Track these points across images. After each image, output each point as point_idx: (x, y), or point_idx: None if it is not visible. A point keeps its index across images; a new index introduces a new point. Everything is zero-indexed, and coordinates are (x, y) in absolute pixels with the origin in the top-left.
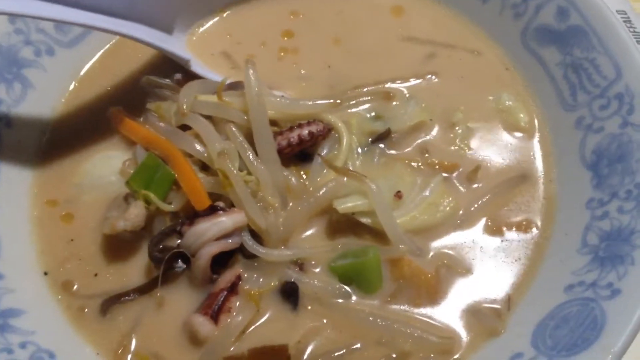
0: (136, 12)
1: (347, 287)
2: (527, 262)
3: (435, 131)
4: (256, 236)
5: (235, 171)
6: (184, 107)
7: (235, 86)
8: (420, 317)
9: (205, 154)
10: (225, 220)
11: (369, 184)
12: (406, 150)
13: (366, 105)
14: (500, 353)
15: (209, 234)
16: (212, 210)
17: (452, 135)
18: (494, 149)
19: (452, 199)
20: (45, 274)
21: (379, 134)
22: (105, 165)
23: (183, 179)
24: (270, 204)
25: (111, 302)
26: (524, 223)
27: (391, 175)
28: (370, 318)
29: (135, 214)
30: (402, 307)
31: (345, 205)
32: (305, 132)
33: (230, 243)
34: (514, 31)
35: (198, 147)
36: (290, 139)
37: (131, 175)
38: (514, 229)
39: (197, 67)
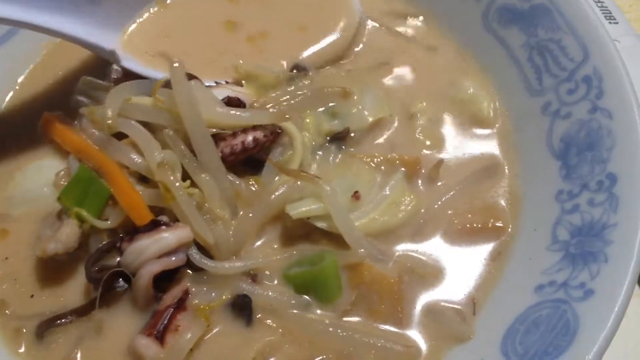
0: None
1: (305, 297)
2: (494, 262)
3: (395, 125)
4: (202, 249)
5: (177, 183)
6: (110, 112)
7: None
8: (383, 326)
9: (143, 165)
10: (168, 237)
11: (322, 186)
12: (365, 145)
13: (323, 102)
14: None
15: (150, 251)
16: (154, 226)
17: (412, 128)
18: (456, 142)
19: (413, 197)
20: None
21: (337, 133)
22: (38, 176)
23: (119, 194)
24: (218, 216)
25: (47, 325)
26: (491, 220)
27: (348, 174)
28: (330, 329)
29: (67, 234)
30: (363, 316)
31: (299, 210)
32: (249, 138)
33: (173, 261)
34: (475, 13)
35: (135, 157)
36: (233, 146)
37: (62, 190)
38: (479, 226)
39: (129, 62)
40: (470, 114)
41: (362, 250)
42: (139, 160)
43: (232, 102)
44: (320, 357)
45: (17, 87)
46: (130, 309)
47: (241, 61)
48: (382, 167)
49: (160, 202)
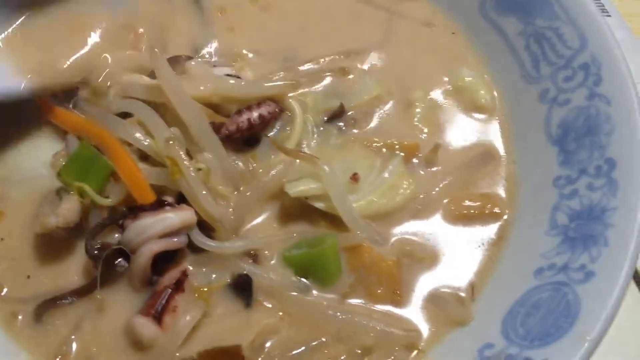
0: None
1: (304, 280)
2: (492, 247)
3: (392, 110)
4: (204, 229)
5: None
6: (113, 91)
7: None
8: (382, 309)
9: (147, 143)
10: (172, 217)
11: (321, 166)
12: (364, 129)
13: (321, 83)
14: (469, 344)
15: (153, 230)
16: (158, 205)
17: (409, 115)
18: (454, 128)
19: (412, 181)
20: None
21: (334, 111)
22: (34, 156)
23: (123, 171)
24: (220, 193)
25: (46, 306)
26: (488, 205)
27: (349, 157)
28: (330, 312)
29: (68, 208)
30: (362, 298)
31: (297, 188)
32: (255, 115)
33: (175, 242)
34: (472, 1)
35: (138, 134)
36: (239, 123)
37: (63, 167)
38: (477, 212)
39: None
40: (468, 101)
41: (361, 232)
42: (143, 138)
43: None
44: (320, 340)
45: None
46: (130, 290)
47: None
48: (382, 151)
49: (163, 180)
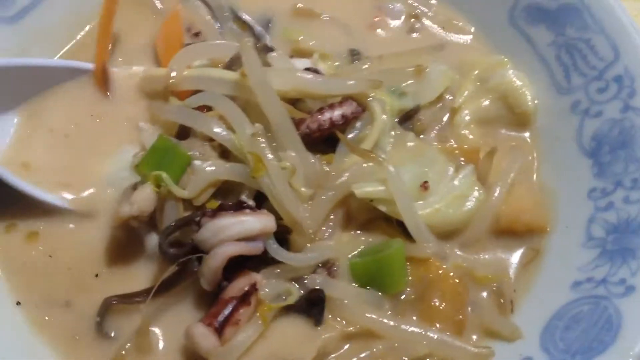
0: None
1: (376, 292)
2: (529, 260)
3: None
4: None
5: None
6: (174, 72)
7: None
8: (441, 325)
9: (229, 138)
10: (252, 221)
11: (387, 168)
12: (430, 131)
13: (396, 81)
14: (507, 358)
15: (231, 231)
16: (238, 206)
17: (458, 116)
18: (496, 137)
19: (482, 192)
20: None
21: (408, 111)
22: (118, 161)
23: None
24: (301, 195)
25: (110, 306)
26: (528, 219)
27: (423, 160)
28: (393, 323)
29: (142, 197)
30: (423, 312)
31: (364, 189)
32: (337, 114)
33: (251, 247)
34: (501, 9)
35: (220, 129)
36: (321, 122)
37: (140, 160)
38: (515, 225)
39: None
40: (512, 105)
41: (427, 244)
42: (225, 133)
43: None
44: (376, 348)
45: None
46: (196, 293)
47: (301, 37)
48: (455, 154)
49: (242, 177)
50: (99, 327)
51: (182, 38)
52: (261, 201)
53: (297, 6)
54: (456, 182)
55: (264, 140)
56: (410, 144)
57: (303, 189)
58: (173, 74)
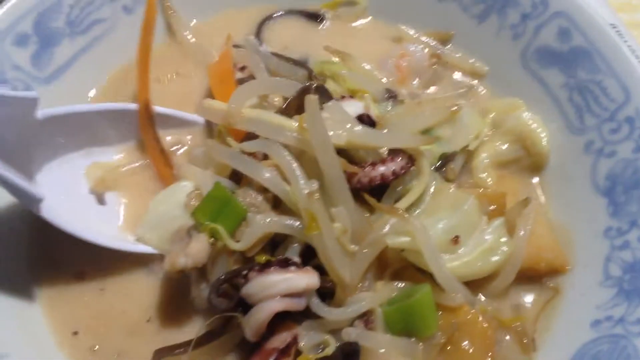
0: None
1: (410, 338)
2: (551, 300)
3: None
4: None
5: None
6: (234, 107)
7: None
8: None
9: (285, 191)
10: (297, 278)
11: (413, 223)
12: (460, 177)
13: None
14: None
15: (277, 288)
16: (285, 263)
17: (474, 167)
18: (513, 177)
19: (510, 244)
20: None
21: (446, 157)
22: (171, 199)
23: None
24: (348, 251)
25: (163, 354)
26: (547, 260)
27: (459, 210)
28: None
29: (197, 248)
30: (454, 357)
31: (396, 240)
32: (389, 170)
33: (295, 304)
34: (513, 53)
35: (276, 181)
36: (372, 177)
37: (198, 206)
38: (535, 266)
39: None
40: (525, 151)
41: (455, 293)
42: (282, 186)
43: (364, 120)
44: None
45: None
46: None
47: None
48: (486, 209)
49: (291, 230)
50: None
51: (233, 75)
52: (309, 254)
53: (326, 45)
54: (487, 236)
55: (320, 199)
56: (448, 191)
57: (351, 247)
58: (232, 106)
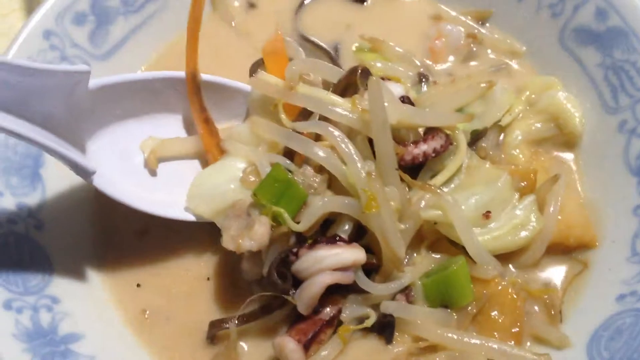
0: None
1: (446, 309)
2: (578, 274)
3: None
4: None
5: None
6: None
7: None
8: (502, 335)
9: (343, 171)
10: (346, 253)
11: (445, 197)
12: (491, 152)
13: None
14: None
15: (327, 262)
16: (333, 239)
17: (507, 144)
18: (545, 155)
19: (540, 221)
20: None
21: (477, 133)
22: (222, 172)
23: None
24: (399, 229)
25: (215, 328)
26: (574, 234)
27: (492, 186)
28: (464, 338)
29: (262, 233)
30: (483, 326)
31: (429, 213)
32: (430, 148)
33: (344, 277)
34: (552, 31)
35: (335, 162)
36: (414, 155)
37: (258, 187)
38: (564, 241)
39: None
40: (558, 129)
41: (487, 266)
42: (341, 167)
43: (404, 102)
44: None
45: None
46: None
47: (377, 63)
48: (519, 185)
49: (346, 209)
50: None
51: (286, 55)
52: (356, 235)
53: (360, 34)
54: (517, 212)
55: (377, 178)
56: (483, 168)
57: (401, 226)
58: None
